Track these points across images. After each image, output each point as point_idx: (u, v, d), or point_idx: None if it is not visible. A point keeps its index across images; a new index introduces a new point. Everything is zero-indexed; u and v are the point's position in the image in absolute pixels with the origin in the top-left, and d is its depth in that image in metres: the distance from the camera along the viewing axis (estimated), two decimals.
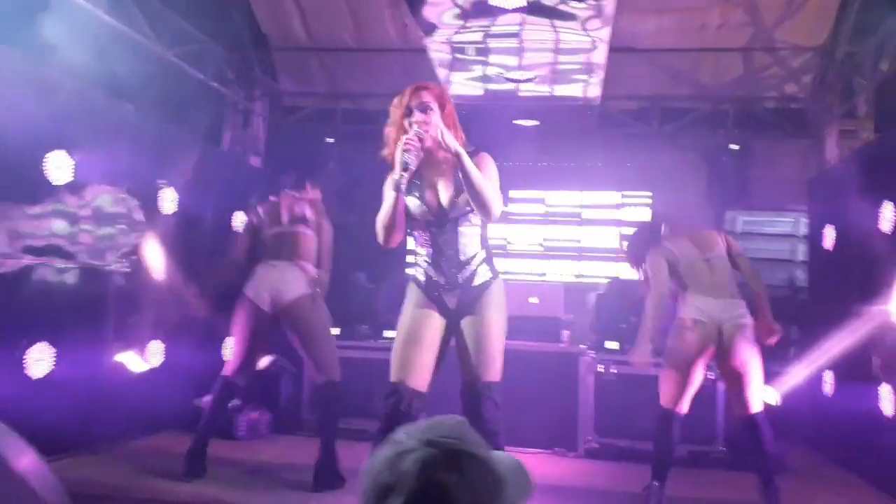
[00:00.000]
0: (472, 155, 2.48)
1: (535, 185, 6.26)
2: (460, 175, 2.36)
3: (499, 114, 5.54)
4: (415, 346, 2.47)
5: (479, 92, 5.20)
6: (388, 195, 2.41)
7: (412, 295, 2.58)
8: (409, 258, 4.53)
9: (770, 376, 4.48)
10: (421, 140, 2.37)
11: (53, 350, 3.63)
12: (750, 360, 3.23)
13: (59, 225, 3.70)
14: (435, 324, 2.51)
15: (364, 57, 6.08)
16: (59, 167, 3.65)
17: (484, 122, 5.75)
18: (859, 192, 4.39)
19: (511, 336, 4.71)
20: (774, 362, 4.89)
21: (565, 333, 4.95)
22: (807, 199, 5.65)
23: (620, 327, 4.79)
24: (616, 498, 3.59)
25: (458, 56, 4.56)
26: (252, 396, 4.62)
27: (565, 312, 5.02)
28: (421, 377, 2.47)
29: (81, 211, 3.85)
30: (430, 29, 4.13)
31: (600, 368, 4.58)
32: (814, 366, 4.66)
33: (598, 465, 4.32)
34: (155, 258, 4.47)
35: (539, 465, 4.28)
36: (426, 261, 2.54)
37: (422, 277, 2.56)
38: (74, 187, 3.78)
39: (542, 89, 4.94)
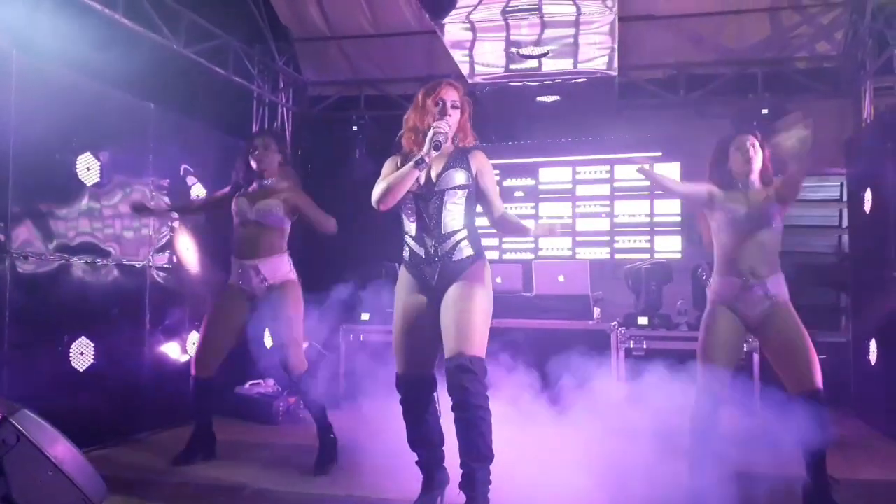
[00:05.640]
0: (473, 150, 2.70)
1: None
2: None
3: (519, 91, 5.48)
4: (411, 335, 2.66)
5: (496, 71, 5.15)
6: (407, 167, 2.57)
7: (402, 279, 2.74)
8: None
9: (820, 347, 4.36)
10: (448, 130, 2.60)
11: (92, 344, 3.77)
12: None
13: (91, 224, 3.83)
14: (425, 308, 2.66)
15: (383, 42, 6.09)
16: (88, 168, 3.78)
17: (505, 101, 5.73)
18: None
19: (544, 315, 4.78)
20: (826, 332, 4.75)
21: (596, 311, 4.92)
22: (845, 162, 5.45)
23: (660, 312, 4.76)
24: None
25: (471, 36, 4.51)
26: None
27: (595, 289, 4.98)
28: (425, 362, 2.68)
29: (111, 209, 3.98)
30: (437, 13, 4.10)
31: (631, 344, 4.54)
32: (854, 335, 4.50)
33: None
34: (188, 252, 4.59)
35: None
36: (411, 235, 2.69)
37: (407, 254, 2.72)
38: (103, 187, 3.90)
39: (558, 64, 4.86)
